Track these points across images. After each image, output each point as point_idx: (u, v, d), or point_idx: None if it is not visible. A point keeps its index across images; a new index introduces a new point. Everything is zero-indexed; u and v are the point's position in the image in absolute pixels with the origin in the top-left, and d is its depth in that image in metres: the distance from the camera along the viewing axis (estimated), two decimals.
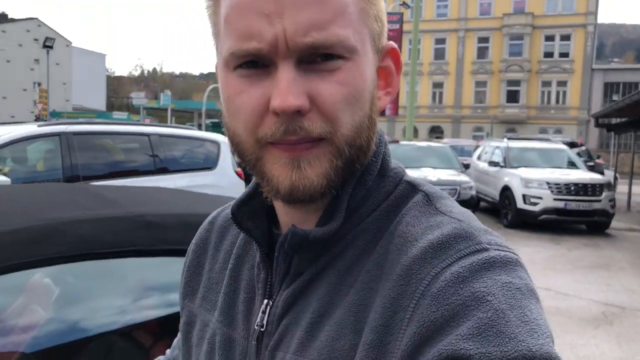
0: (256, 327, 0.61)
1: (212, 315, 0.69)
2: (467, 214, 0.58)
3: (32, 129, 5.45)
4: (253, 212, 0.65)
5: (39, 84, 40.20)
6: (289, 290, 0.60)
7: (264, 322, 0.61)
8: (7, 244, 1.34)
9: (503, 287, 0.48)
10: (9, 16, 70.60)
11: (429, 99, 44.31)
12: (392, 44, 0.60)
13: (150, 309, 1.84)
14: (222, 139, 7.14)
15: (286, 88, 0.51)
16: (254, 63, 0.54)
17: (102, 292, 1.83)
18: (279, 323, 0.60)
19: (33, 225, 1.43)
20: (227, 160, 6.67)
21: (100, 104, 63.66)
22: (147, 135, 6.05)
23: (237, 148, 0.58)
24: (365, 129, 0.56)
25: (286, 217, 0.63)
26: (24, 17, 70.21)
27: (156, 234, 1.57)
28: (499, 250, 0.52)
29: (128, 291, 1.85)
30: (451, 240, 0.53)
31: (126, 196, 1.91)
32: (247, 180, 6.48)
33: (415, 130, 33.57)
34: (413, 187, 0.62)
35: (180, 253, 1.60)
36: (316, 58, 0.52)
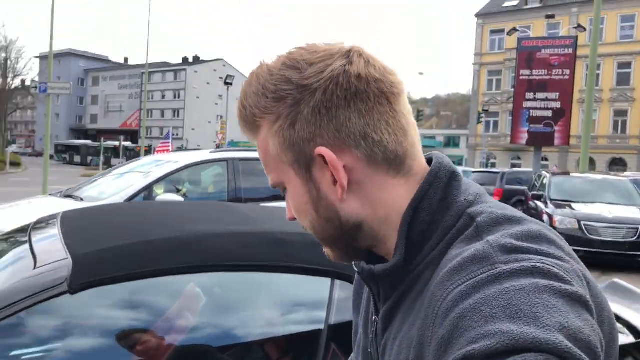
0: (371, 340, 0.79)
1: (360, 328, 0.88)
2: (516, 234, 0.61)
3: (205, 155, 6.12)
4: None
5: (221, 117, 44.82)
6: (383, 310, 0.74)
7: (374, 335, 0.77)
8: (152, 252, 1.51)
9: (501, 293, 0.53)
10: (200, 58, 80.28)
11: (610, 129, 40.14)
12: (319, 148, 0.69)
13: (279, 325, 1.90)
14: None
15: (287, 206, 0.78)
16: None
17: (240, 304, 1.94)
18: (382, 336, 0.74)
19: (175, 237, 1.59)
20: None
21: None
22: None
23: None
24: (318, 226, 0.74)
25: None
26: (212, 58, 79.29)
27: (284, 250, 1.63)
28: (515, 263, 0.57)
29: (261, 305, 1.95)
30: (467, 263, 0.59)
31: (264, 215, 2.03)
32: None
33: (592, 162, 30.53)
34: (471, 219, 0.67)
35: (303, 271, 1.66)
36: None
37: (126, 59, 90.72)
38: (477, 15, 45.28)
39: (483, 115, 38.07)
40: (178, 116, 74.99)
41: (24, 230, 1.97)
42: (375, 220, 0.71)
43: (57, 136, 78.29)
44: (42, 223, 1.96)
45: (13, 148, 51.54)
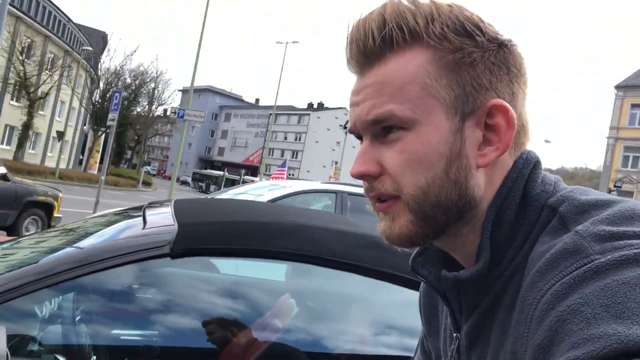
0: (449, 357, 0.71)
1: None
2: (608, 218, 0.54)
3: (315, 185, 6.26)
4: (427, 260, 0.73)
5: (336, 163, 45.90)
6: (468, 325, 0.66)
7: (454, 353, 0.70)
8: (253, 232, 1.52)
9: (603, 289, 0.47)
10: (325, 105, 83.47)
11: None
12: (497, 100, 0.63)
13: (377, 345, 1.80)
14: None
15: (356, 158, 0.66)
16: (362, 138, 0.68)
17: (334, 308, 1.89)
18: (469, 355, 0.66)
19: (277, 222, 1.60)
20: None
21: None
22: None
23: None
24: (436, 187, 0.62)
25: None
26: (335, 106, 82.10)
27: (382, 255, 1.57)
28: (614, 252, 0.50)
29: (355, 313, 1.87)
30: (558, 259, 0.53)
31: (367, 225, 1.99)
32: None
33: None
34: (553, 210, 0.61)
35: (403, 281, 1.58)
36: (383, 132, 0.63)
37: (257, 100, 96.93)
38: (618, 87, 42.58)
39: (614, 192, 35.17)
40: (296, 157, 77.92)
41: (139, 207, 2.10)
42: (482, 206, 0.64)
43: (187, 164, 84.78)
44: (156, 203, 2.07)
45: (147, 169, 56.57)
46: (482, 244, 0.62)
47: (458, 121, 0.62)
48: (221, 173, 62.14)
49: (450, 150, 0.62)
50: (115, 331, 1.64)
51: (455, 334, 0.69)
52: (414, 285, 1.55)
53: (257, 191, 6.42)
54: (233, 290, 1.96)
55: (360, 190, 6.38)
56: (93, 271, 1.35)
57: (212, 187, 56.05)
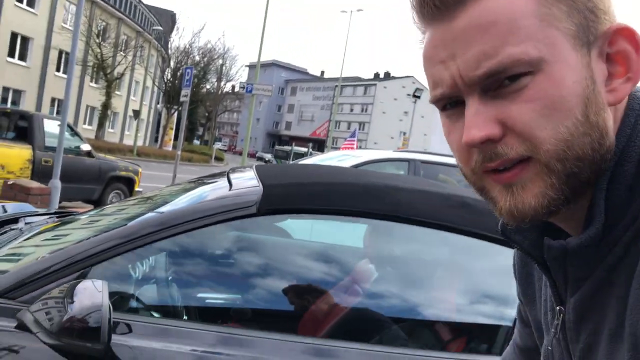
0: (552, 332, 0.64)
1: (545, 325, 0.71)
2: None
3: (388, 153, 6.19)
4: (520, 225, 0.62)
5: (404, 133, 45.23)
6: (576, 299, 0.58)
7: (557, 329, 0.62)
8: (337, 192, 1.50)
9: None
10: (391, 74, 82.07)
11: None
12: (620, 24, 0.55)
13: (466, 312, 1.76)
14: None
15: (469, 122, 0.54)
16: (456, 102, 0.56)
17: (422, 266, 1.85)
18: (578, 331, 0.59)
19: (360, 183, 1.57)
20: None
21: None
22: None
23: (465, 179, 0.61)
24: (580, 135, 0.52)
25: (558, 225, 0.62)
26: (402, 75, 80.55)
27: (472, 215, 1.51)
28: None
29: (443, 283, 1.83)
30: None
31: (452, 187, 1.92)
32: None
33: None
34: None
35: (493, 240, 1.51)
36: (502, 82, 0.52)
37: (322, 72, 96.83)
38: None
39: None
40: (363, 129, 77.49)
41: (223, 173, 2.14)
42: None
43: (256, 139, 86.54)
44: (238, 168, 2.10)
45: (218, 145, 58.27)
46: (595, 204, 0.54)
47: (585, 53, 0.53)
48: (304, 149, 63.07)
49: (585, 89, 0.53)
50: (203, 292, 1.69)
51: (558, 307, 0.61)
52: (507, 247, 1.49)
53: (327, 162, 6.43)
54: (312, 255, 1.97)
55: (433, 158, 6.25)
56: (185, 230, 1.38)
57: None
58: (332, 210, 1.46)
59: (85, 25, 31.97)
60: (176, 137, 46.93)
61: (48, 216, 2.34)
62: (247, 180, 1.65)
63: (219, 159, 42.42)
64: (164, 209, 1.66)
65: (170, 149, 40.48)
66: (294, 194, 1.46)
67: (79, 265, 1.30)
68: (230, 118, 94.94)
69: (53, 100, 32.43)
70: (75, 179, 7.88)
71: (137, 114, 33.25)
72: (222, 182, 1.70)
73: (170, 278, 1.62)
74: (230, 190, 1.54)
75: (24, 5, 29.11)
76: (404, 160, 5.96)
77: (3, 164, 7.94)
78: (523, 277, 0.75)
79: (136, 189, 10.43)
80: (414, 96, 25.52)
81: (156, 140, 47.27)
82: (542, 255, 0.60)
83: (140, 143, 36.92)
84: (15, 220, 2.16)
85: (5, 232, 1.92)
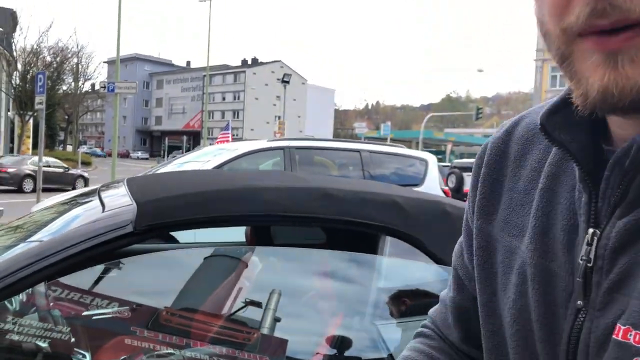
0: (581, 261, 0.51)
1: (519, 242, 0.59)
2: None
3: (262, 144, 6.30)
4: (567, 122, 0.54)
5: (279, 117, 45.63)
6: (628, 220, 0.48)
7: (591, 255, 0.50)
8: (211, 200, 1.60)
9: None
10: (259, 60, 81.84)
11: None
12: None
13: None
14: (430, 157, 7.16)
15: None
16: None
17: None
18: (615, 259, 0.48)
19: (231, 189, 1.68)
20: (434, 178, 6.66)
21: (328, 134, 69.06)
22: (359, 151, 6.41)
23: (545, 40, 0.51)
24: None
25: (622, 129, 0.50)
26: (270, 60, 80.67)
27: (335, 205, 1.68)
28: None
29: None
30: None
31: (317, 178, 2.09)
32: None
33: None
34: None
35: (354, 225, 1.71)
36: None
37: (188, 62, 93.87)
38: None
39: None
40: (238, 117, 76.73)
41: (93, 191, 2.12)
42: None
43: (124, 137, 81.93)
44: (108, 185, 2.10)
45: (84, 149, 54.43)
46: None
47: None
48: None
49: None
50: (89, 313, 1.70)
51: (592, 230, 0.50)
52: (367, 228, 1.68)
53: (203, 158, 6.40)
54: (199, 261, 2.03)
55: (306, 143, 6.48)
56: (62, 259, 1.40)
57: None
58: (211, 219, 1.55)
59: None
60: (34, 146, 43.04)
61: None
62: (120, 198, 1.68)
63: (86, 163, 39.74)
64: (37, 237, 1.64)
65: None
66: (169, 206, 1.52)
67: None
68: (94, 118, 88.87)
69: None
70: None
71: None
72: (95, 202, 1.71)
73: (52, 305, 1.61)
74: (103, 211, 1.57)
75: None
76: (278, 148, 6.12)
77: None
78: (488, 185, 0.66)
79: None
80: (283, 82, 25.89)
81: (11, 151, 42.99)
82: (588, 161, 0.52)
83: None
84: None
85: None
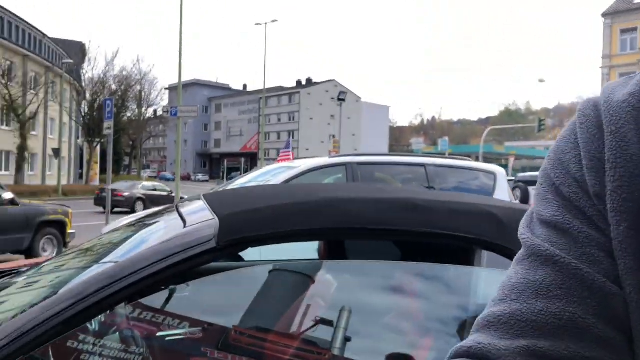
0: None
1: None
2: None
3: (324, 160, 6.23)
4: None
5: (333, 136, 45.75)
6: None
7: None
8: (294, 213, 1.52)
9: None
10: (313, 80, 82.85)
11: None
12: None
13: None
14: (499, 170, 6.88)
15: None
16: None
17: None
18: None
19: (314, 200, 1.59)
20: (503, 192, 6.36)
21: (384, 151, 68.62)
22: (424, 165, 6.23)
23: None
24: None
25: None
26: (323, 79, 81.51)
27: (424, 217, 1.57)
28: None
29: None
30: None
31: (398, 190, 1.98)
32: None
33: None
34: None
35: (448, 238, 1.58)
36: None
37: (245, 86, 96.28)
38: (605, 15, 42.07)
39: None
40: (293, 137, 77.57)
41: (170, 208, 2.10)
42: None
43: (186, 161, 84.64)
44: (186, 201, 2.07)
45: (147, 173, 56.58)
46: None
47: None
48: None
49: None
50: (163, 334, 1.65)
51: None
52: (461, 241, 1.55)
53: (265, 177, 6.40)
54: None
55: (368, 159, 6.36)
56: (144, 278, 1.35)
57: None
58: (293, 233, 1.47)
59: None
60: (102, 171, 45.16)
61: None
62: (199, 212, 1.63)
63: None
64: (113, 258, 1.61)
65: (97, 183, 38.86)
66: (252, 220, 1.46)
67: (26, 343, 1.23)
68: (157, 143, 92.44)
69: None
70: (2, 230, 7.43)
71: (57, 152, 31.68)
72: (175, 219, 1.67)
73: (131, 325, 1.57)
74: (185, 227, 1.52)
75: None
76: (340, 164, 6.04)
77: None
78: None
79: (69, 230, 9.95)
80: (339, 99, 25.96)
81: (81, 177, 45.26)
82: None
83: (64, 182, 35.20)
84: None
85: None
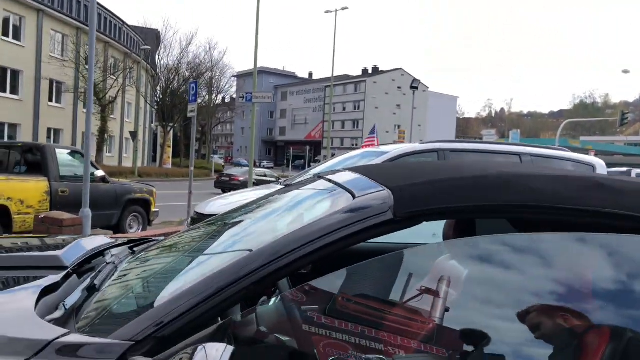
0: None
1: None
2: None
3: (415, 146, 6.08)
4: None
5: (399, 126, 45.22)
6: None
7: None
8: (471, 188, 1.41)
9: None
10: (379, 68, 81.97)
11: None
12: None
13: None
14: (598, 162, 6.48)
15: None
16: None
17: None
18: None
19: (492, 175, 1.48)
20: None
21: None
22: (519, 155, 5.95)
23: None
24: None
25: None
26: (390, 68, 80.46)
27: (613, 197, 1.42)
28: None
29: None
30: None
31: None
32: None
33: None
34: None
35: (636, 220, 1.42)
36: None
37: (310, 74, 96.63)
38: None
39: None
40: (357, 127, 77.40)
41: (312, 180, 2.04)
42: None
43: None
44: (327, 174, 2.00)
45: (215, 158, 58.15)
46: None
47: None
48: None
49: None
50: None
51: None
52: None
53: (351, 162, 6.32)
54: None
55: (461, 146, 6.15)
56: (325, 246, 1.29)
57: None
58: (479, 208, 1.36)
59: (73, 52, 31.84)
60: (174, 155, 46.73)
61: (127, 246, 2.24)
62: (363, 183, 1.56)
63: (219, 171, 42.49)
64: (279, 226, 1.56)
65: (169, 166, 40.33)
66: (432, 192, 1.37)
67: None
68: (224, 129, 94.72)
69: (49, 130, 32.26)
70: (94, 206, 7.77)
71: (134, 135, 33.09)
72: (337, 190, 1.61)
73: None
74: (355, 198, 1.45)
75: (9, 39, 28.96)
76: (432, 150, 5.88)
77: (22, 199, 7.83)
78: None
79: (152, 209, 10.32)
80: (412, 87, 25.44)
81: (154, 160, 47.07)
82: None
83: (139, 164, 36.75)
84: (99, 253, 2.07)
85: (99, 270, 1.82)
